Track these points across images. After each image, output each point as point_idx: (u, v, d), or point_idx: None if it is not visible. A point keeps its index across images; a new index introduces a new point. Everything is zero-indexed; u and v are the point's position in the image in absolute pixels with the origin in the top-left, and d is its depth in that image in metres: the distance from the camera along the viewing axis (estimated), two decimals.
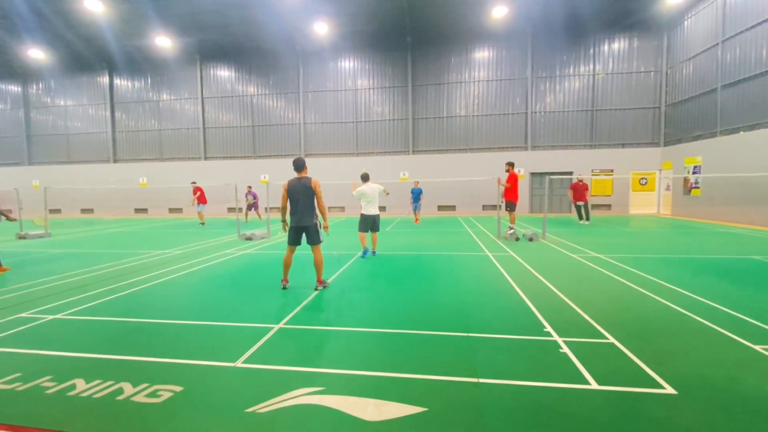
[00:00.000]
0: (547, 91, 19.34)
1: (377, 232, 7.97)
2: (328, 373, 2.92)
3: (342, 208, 19.36)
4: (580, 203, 14.32)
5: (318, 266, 5.37)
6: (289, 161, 20.79)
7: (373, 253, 7.96)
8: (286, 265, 5.41)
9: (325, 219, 5.43)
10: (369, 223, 7.80)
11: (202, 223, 15.30)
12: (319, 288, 5.34)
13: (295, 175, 5.36)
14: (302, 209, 5.21)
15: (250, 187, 16.95)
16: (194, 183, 15.67)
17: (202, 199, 15.33)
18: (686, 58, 16.65)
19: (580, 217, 14.45)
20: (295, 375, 2.90)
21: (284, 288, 5.36)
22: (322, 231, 5.37)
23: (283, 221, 5.48)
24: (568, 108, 19.20)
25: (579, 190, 14.23)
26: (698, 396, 2.55)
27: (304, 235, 5.33)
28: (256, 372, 2.97)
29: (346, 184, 16.73)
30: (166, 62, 21.88)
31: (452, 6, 16.82)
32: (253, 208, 17.06)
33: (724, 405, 2.45)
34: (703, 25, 15.64)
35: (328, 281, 5.64)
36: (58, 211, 22.40)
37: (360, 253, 7.91)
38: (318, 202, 5.29)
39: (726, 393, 2.59)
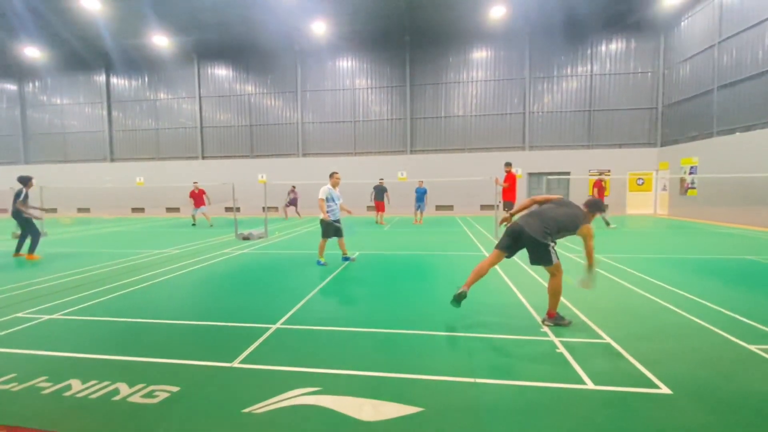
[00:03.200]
0: (544, 91, 19.38)
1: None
2: (325, 374, 2.92)
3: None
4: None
5: (552, 294, 3.92)
6: (287, 161, 20.81)
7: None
8: (477, 273, 3.96)
9: (590, 267, 4.00)
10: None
11: (195, 224, 15.19)
12: (548, 323, 3.87)
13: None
14: (535, 215, 3.93)
15: (293, 187, 17.72)
16: (195, 183, 15.46)
17: (200, 202, 15.15)
18: (683, 59, 16.72)
19: (607, 222, 12.53)
20: (292, 375, 2.90)
21: (462, 296, 3.81)
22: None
23: (511, 213, 4.45)
24: (566, 108, 19.25)
25: (602, 190, 12.53)
26: (693, 396, 2.56)
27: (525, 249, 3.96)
28: (253, 372, 2.96)
29: (343, 184, 16.73)
30: (163, 61, 21.78)
31: (450, 6, 16.83)
32: (293, 206, 17.71)
33: (718, 405, 2.46)
34: (700, 26, 15.71)
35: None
36: (54, 210, 22.24)
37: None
38: (586, 249, 3.99)
39: (721, 393, 2.60)
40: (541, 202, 4.18)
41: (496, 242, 3.99)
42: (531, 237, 3.80)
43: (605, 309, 4.39)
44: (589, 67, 18.92)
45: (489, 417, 2.36)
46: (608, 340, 3.48)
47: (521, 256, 4.19)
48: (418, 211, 14.91)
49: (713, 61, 14.83)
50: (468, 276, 3.97)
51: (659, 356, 3.14)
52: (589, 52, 18.89)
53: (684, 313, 4.17)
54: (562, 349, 3.29)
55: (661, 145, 18.31)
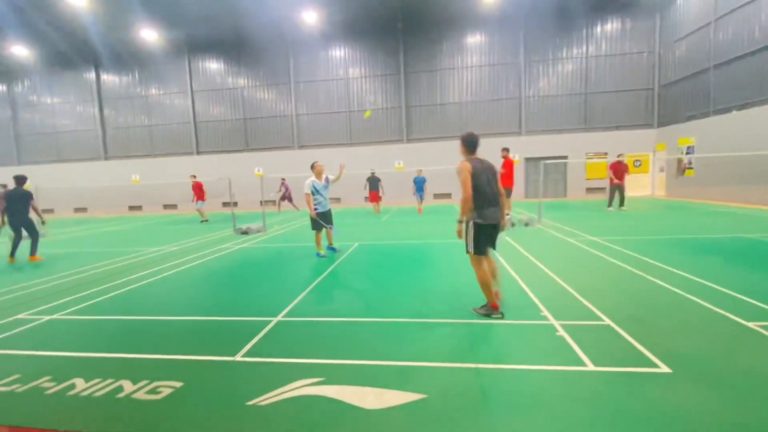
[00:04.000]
0: (540, 75, 19.21)
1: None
2: (328, 364, 2.94)
3: (338, 200, 19.31)
4: (617, 186, 12.58)
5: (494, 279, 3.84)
6: (283, 154, 20.55)
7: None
8: (490, 284, 3.75)
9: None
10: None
11: (205, 220, 14.82)
12: (496, 311, 3.78)
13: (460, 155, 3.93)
14: (495, 201, 3.72)
15: (283, 179, 17.44)
16: (194, 177, 14.93)
17: (200, 196, 14.86)
18: (679, 37, 16.55)
19: (610, 204, 12.71)
20: (295, 367, 2.92)
21: (501, 316, 3.72)
22: None
23: (465, 220, 3.74)
24: (561, 92, 19.10)
25: (620, 171, 12.56)
26: (692, 374, 2.59)
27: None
28: (256, 365, 2.98)
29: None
30: (153, 56, 21.44)
31: None
32: (286, 200, 17.53)
33: (718, 382, 2.49)
34: (696, 3, 15.51)
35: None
36: (50, 210, 22.15)
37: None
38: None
39: (720, 370, 2.63)
40: (473, 185, 3.64)
41: (472, 249, 3.74)
42: (500, 227, 3.84)
43: (604, 291, 4.41)
44: (584, 49, 18.73)
45: (492, 401, 2.38)
46: (608, 321, 3.51)
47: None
48: (419, 200, 14.84)
49: (709, 39, 14.68)
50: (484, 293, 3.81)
51: (658, 336, 3.17)
52: (583, 33, 18.68)
53: (683, 293, 4.20)
54: (562, 332, 3.31)
55: (658, 126, 18.24)
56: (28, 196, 7.80)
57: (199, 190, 14.66)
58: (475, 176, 3.64)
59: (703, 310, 3.72)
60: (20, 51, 20.81)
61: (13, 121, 23.43)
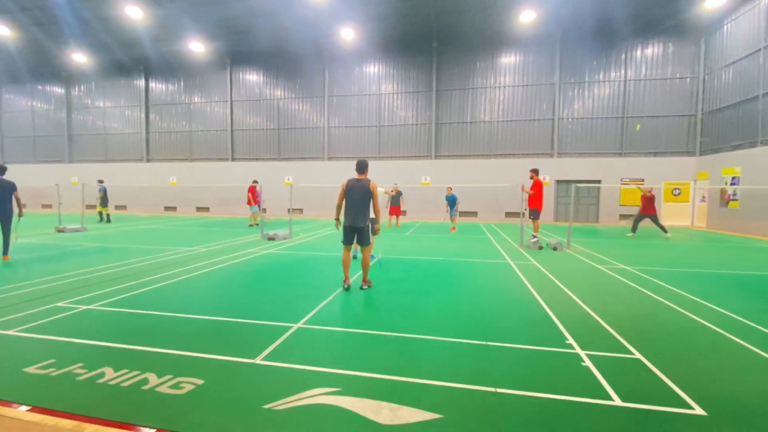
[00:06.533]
0: (575, 97, 18.89)
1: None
2: (345, 375, 2.94)
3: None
4: (647, 216, 13.08)
5: (365, 267, 5.59)
6: (313, 164, 20.92)
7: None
8: (345, 265, 5.51)
9: (378, 221, 5.69)
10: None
11: (253, 224, 15.05)
12: (364, 287, 5.51)
13: (355, 175, 5.48)
14: (357, 210, 5.34)
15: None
16: (256, 182, 15.24)
17: (255, 200, 15.26)
18: (726, 64, 15.91)
19: (664, 230, 13.01)
20: (312, 374, 2.94)
21: (347, 288, 5.44)
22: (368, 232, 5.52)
23: (336, 219, 5.57)
24: (597, 114, 18.67)
25: (645, 203, 13.09)
26: (730, 419, 2.42)
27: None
28: (274, 369, 3.02)
29: None
30: (198, 66, 22.69)
31: (479, 11, 16.72)
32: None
33: (758, 429, 2.31)
34: (745, 29, 14.92)
35: (372, 282, 5.75)
36: (93, 206, 23.49)
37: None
38: (374, 205, 5.50)
39: (761, 417, 2.45)
40: (344, 197, 5.40)
41: (343, 239, 5.49)
42: (363, 228, 5.35)
43: (635, 323, 4.21)
44: (623, 72, 18.31)
45: (509, 428, 2.31)
46: (638, 356, 3.34)
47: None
48: (453, 217, 14.50)
49: (759, 65, 14.04)
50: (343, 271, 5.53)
51: (694, 375, 2.99)
52: (623, 56, 18.29)
53: (722, 331, 3.95)
54: (588, 363, 3.18)
55: (700, 154, 17.45)
56: (11, 186, 7.31)
57: (253, 195, 15.20)
58: (346, 191, 5.38)
59: (743, 350, 3.48)
60: (80, 58, 22.55)
61: (68, 121, 25.23)
